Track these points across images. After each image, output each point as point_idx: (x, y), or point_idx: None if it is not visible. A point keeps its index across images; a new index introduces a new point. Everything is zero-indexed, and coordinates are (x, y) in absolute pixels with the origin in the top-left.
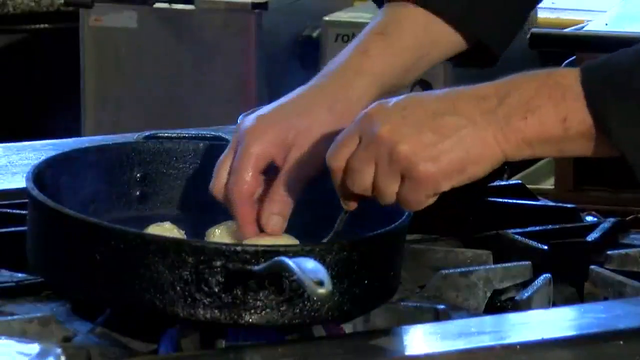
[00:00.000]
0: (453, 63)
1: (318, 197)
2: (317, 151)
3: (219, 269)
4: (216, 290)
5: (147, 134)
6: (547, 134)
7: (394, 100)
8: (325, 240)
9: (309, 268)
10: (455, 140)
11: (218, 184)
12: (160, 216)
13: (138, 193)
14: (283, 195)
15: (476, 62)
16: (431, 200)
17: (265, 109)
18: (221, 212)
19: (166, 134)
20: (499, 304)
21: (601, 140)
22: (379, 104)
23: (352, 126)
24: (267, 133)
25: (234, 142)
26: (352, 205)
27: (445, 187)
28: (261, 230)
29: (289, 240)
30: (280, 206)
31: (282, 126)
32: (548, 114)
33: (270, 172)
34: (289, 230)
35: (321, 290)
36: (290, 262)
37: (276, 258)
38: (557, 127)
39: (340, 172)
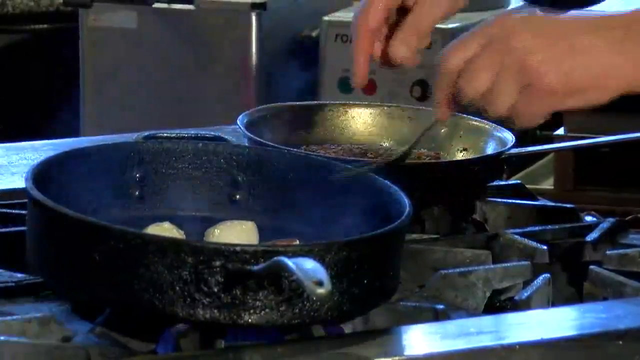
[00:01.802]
0: None
1: (318, 197)
2: None
3: (218, 269)
4: (215, 290)
5: (146, 134)
6: None
7: (520, 13)
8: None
9: (308, 268)
10: (587, 60)
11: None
12: (160, 216)
13: (137, 193)
14: (416, 26)
15: None
16: (544, 119)
17: None
18: (221, 212)
19: (166, 134)
20: (498, 304)
21: None
22: (506, 14)
23: (475, 30)
24: None
25: None
26: (447, 115)
27: (567, 105)
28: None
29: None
30: (413, 37)
31: None
32: None
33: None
34: (289, 233)
35: (320, 290)
36: (289, 262)
37: (275, 258)
38: None
39: (453, 75)
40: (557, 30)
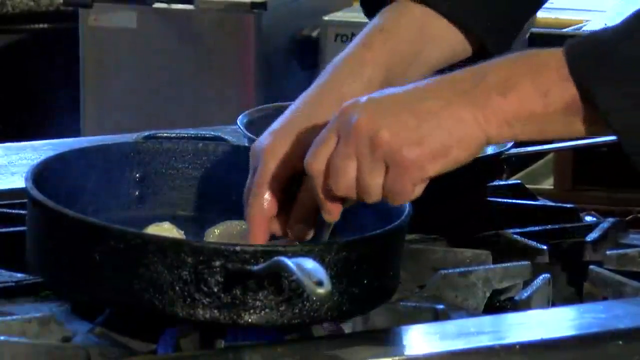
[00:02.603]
0: None
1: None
2: None
3: (218, 269)
4: (215, 290)
5: (146, 134)
6: (528, 111)
7: (365, 96)
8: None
9: (308, 268)
10: (436, 122)
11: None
12: (160, 216)
13: (137, 193)
14: (309, 203)
15: None
16: (418, 190)
17: (276, 124)
18: (220, 212)
19: (165, 134)
20: (498, 304)
21: (586, 116)
22: (353, 100)
23: (328, 126)
24: (282, 147)
25: (252, 165)
26: (335, 215)
27: (431, 172)
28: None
29: None
30: (307, 214)
31: (296, 136)
32: (527, 89)
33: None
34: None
35: (320, 290)
36: (289, 262)
37: (275, 258)
38: (537, 102)
39: (322, 175)
40: (400, 101)
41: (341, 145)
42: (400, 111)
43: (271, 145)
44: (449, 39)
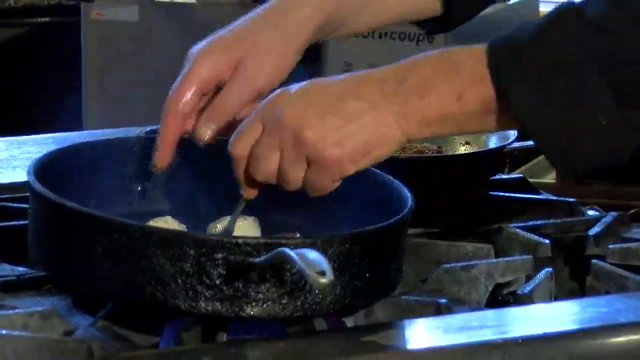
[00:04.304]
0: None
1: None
2: (261, 69)
3: (220, 261)
4: (217, 282)
5: (148, 128)
6: (444, 112)
7: (297, 85)
8: (219, 230)
9: (311, 258)
10: (359, 124)
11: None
12: (161, 211)
13: (139, 188)
14: (222, 108)
15: (432, 26)
16: (336, 184)
17: (218, 33)
18: (222, 207)
19: None
20: (500, 298)
21: (502, 115)
22: (282, 89)
23: (254, 113)
24: (214, 53)
25: (184, 69)
26: (253, 193)
27: (351, 170)
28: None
29: (252, 227)
30: (217, 118)
31: (229, 46)
32: (443, 91)
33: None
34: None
35: (323, 280)
36: (291, 252)
37: (278, 249)
38: (452, 104)
39: (244, 160)
40: (327, 99)
41: (265, 136)
42: (326, 110)
43: (204, 50)
44: None
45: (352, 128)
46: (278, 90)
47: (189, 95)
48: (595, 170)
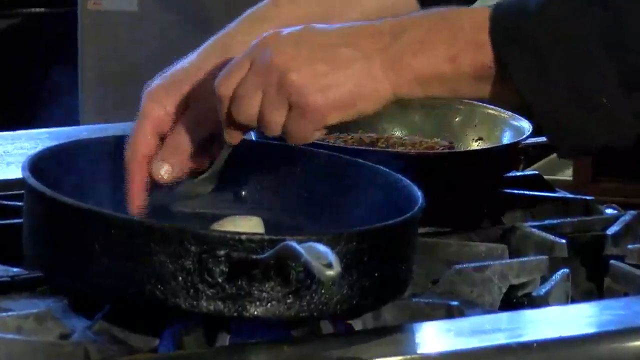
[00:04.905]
0: None
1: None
2: (213, 105)
3: (222, 258)
4: (220, 280)
5: None
6: (436, 73)
7: (290, 29)
8: (202, 177)
9: (317, 251)
10: (347, 73)
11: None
12: (161, 208)
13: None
14: (174, 147)
15: None
16: (318, 135)
17: (169, 70)
18: (226, 208)
19: None
20: (515, 300)
21: (501, 85)
22: (274, 32)
23: (244, 53)
24: (161, 94)
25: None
26: (237, 138)
27: (333, 120)
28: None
29: (257, 227)
30: (173, 156)
31: (178, 84)
32: (437, 52)
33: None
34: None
35: (329, 272)
36: (297, 246)
37: (283, 243)
38: (445, 66)
39: (228, 100)
40: (319, 44)
41: (251, 74)
42: (315, 55)
43: (151, 92)
44: None
45: (339, 76)
46: (270, 32)
47: (144, 139)
48: (597, 150)
